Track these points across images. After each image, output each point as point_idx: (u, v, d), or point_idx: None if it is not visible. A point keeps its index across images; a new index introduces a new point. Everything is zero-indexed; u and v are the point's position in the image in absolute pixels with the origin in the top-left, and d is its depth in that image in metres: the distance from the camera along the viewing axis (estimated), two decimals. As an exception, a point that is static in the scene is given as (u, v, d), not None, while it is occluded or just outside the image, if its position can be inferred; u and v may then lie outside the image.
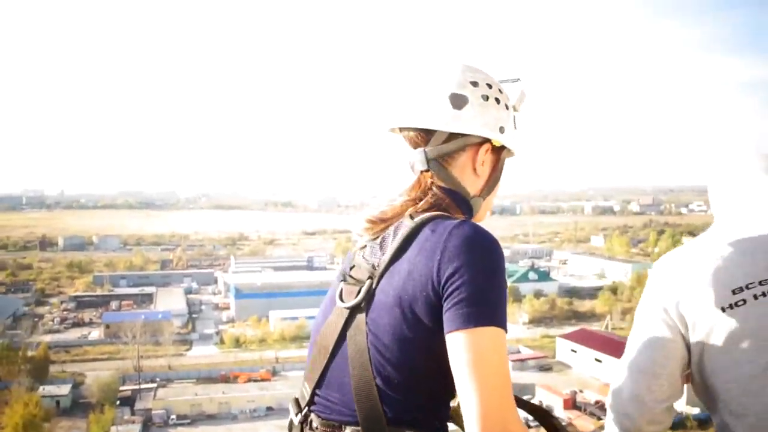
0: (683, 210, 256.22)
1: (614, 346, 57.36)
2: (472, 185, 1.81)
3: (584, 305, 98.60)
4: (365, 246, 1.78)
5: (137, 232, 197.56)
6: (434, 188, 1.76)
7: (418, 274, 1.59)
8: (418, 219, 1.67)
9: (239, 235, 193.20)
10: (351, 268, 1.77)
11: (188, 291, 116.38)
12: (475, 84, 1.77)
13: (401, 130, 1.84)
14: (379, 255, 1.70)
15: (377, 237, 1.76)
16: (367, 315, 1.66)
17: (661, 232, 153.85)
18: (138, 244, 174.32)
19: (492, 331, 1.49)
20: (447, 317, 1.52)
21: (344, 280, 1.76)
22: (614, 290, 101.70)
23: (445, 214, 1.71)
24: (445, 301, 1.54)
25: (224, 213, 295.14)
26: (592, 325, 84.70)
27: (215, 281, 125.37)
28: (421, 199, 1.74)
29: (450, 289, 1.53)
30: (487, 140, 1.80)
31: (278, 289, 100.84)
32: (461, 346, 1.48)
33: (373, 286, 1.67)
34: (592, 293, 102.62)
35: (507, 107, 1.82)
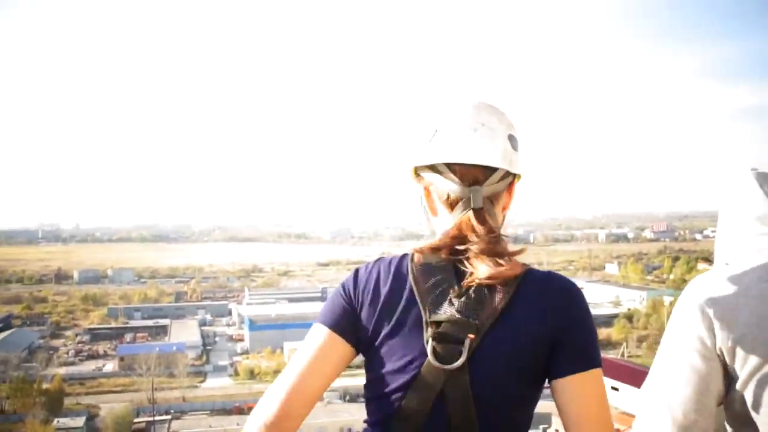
0: (698, 236, 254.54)
1: (631, 374, 56.55)
2: (500, 222, 1.80)
3: (600, 333, 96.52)
4: (441, 293, 1.62)
5: (152, 264, 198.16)
6: (487, 228, 1.70)
7: (528, 329, 1.59)
8: (521, 272, 1.64)
9: (253, 267, 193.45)
10: (438, 324, 1.58)
11: (202, 323, 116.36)
12: (513, 126, 1.81)
13: (449, 166, 1.74)
14: (476, 308, 1.59)
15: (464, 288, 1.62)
16: (470, 376, 1.55)
17: (676, 259, 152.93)
18: (152, 277, 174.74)
19: (600, 372, 1.60)
20: (562, 361, 1.58)
21: (434, 338, 1.57)
22: (630, 318, 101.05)
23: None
24: (557, 349, 1.58)
25: (238, 245, 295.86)
26: (608, 353, 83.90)
27: (229, 313, 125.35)
28: (482, 241, 1.67)
29: (564, 338, 1.59)
30: (514, 179, 1.82)
31: (292, 320, 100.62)
32: (586, 387, 1.57)
33: (475, 344, 1.56)
34: (608, 321, 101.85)
35: None
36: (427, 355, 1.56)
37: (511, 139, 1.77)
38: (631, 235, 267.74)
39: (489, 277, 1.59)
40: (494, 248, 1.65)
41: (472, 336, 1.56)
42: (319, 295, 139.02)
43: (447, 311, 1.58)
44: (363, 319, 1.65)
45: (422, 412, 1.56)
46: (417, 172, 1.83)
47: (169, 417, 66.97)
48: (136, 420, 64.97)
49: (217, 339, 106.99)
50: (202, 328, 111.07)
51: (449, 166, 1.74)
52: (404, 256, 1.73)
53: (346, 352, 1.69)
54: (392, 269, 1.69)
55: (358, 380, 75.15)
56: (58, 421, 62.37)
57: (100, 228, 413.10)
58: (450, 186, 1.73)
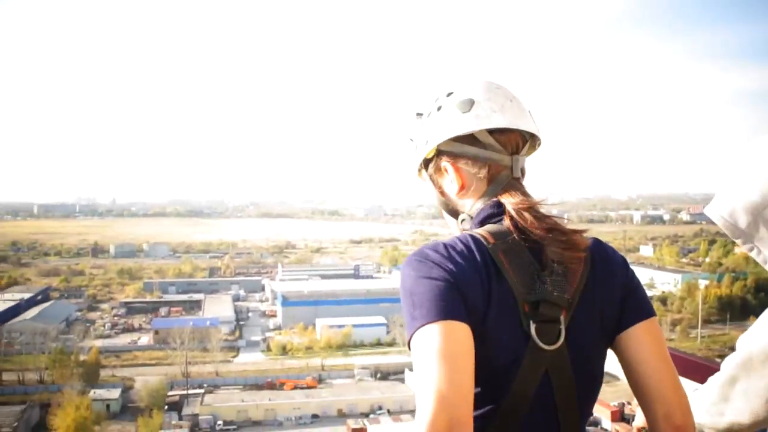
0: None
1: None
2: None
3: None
4: (528, 272, 1.58)
5: (186, 239, 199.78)
6: (528, 198, 1.70)
7: (606, 296, 1.66)
8: (587, 241, 1.69)
9: (286, 243, 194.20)
10: (535, 305, 1.56)
11: (236, 298, 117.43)
12: None
13: (490, 133, 1.73)
14: (563, 283, 1.59)
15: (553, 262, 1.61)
16: (570, 354, 1.57)
17: (712, 242, 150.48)
18: (187, 252, 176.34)
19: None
20: (632, 312, 1.68)
21: (538, 317, 1.55)
22: (664, 301, 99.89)
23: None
24: (627, 302, 1.69)
25: (272, 221, 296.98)
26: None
27: (262, 289, 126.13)
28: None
29: (630, 293, 1.70)
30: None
31: (325, 297, 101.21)
32: (654, 331, 1.69)
33: (568, 320, 1.58)
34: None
35: None
36: (528, 336, 1.54)
37: (531, 114, 1.81)
38: (666, 217, 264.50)
39: (571, 250, 1.61)
40: (557, 222, 1.66)
41: (564, 313, 1.57)
42: (352, 272, 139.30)
43: (540, 290, 1.56)
44: (471, 306, 1.51)
45: (529, 394, 1.54)
46: (438, 151, 1.79)
47: (202, 391, 67.87)
48: (170, 393, 65.95)
49: (250, 314, 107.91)
50: (236, 303, 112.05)
51: (491, 133, 1.73)
52: (470, 237, 1.62)
53: (472, 339, 1.50)
54: (476, 253, 1.57)
55: (389, 358, 75.70)
56: (94, 392, 63.63)
57: (135, 203, 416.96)
58: (492, 155, 1.73)
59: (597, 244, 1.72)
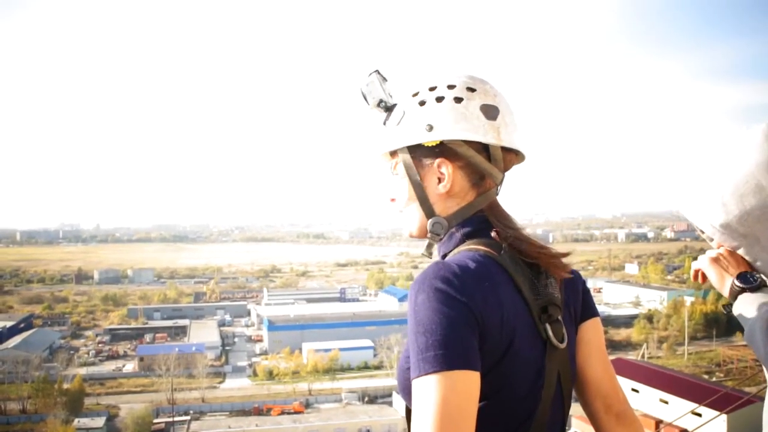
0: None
1: (651, 376, 56.20)
2: None
3: (620, 334, 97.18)
4: (529, 279, 1.61)
5: (171, 265, 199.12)
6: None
7: (574, 302, 1.75)
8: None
9: (272, 268, 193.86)
10: (544, 308, 1.59)
11: (221, 323, 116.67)
12: None
13: (503, 149, 1.68)
14: (556, 286, 1.66)
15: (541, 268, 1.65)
16: (569, 352, 1.65)
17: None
18: (172, 277, 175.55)
19: None
20: (587, 308, 1.79)
21: (549, 319, 1.59)
22: (650, 318, 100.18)
23: None
24: (584, 299, 1.79)
25: (257, 245, 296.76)
26: (628, 353, 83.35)
27: (248, 313, 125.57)
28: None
29: (586, 290, 1.81)
30: None
31: (311, 321, 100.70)
32: (600, 328, 1.81)
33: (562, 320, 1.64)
34: (628, 321, 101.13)
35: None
36: (543, 342, 1.56)
37: None
38: (651, 235, 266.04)
39: (556, 257, 1.67)
40: (529, 237, 1.68)
41: (560, 313, 1.62)
42: (338, 295, 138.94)
43: (544, 293, 1.60)
44: (494, 332, 1.47)
45: (551, 396, 1.57)
46: (439, 144, 1.66)
47: (188, 417, 67.09)
48: (155, 420, 65.18)
49: (236, 339, 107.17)
50: (221, 328, 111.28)
51: (499, 150, 1.68)
52: (478, 255, 1.57)
53: (479, 386, 1.42)
54: (491, 270, 1.54)
55: (376, 381, 75.28)
56: (78, 421, 62.72)
57: (119, 228, 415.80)
58: (493, 170, 1.67)
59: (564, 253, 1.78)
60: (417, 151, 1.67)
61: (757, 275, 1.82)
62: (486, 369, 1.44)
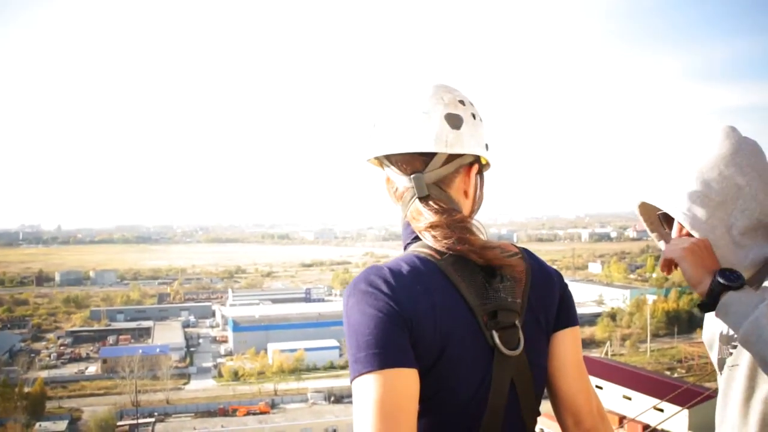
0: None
1: (615, 373, 56.96)
2: (466, 208, 1.71)
3: (584, 332, 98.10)
4: (478, 282, 1.56)
5: (134, 266, 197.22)
6: (440, 213, 1.64)
7: (547, 300, 1.67)
8: (521, 251, 1.71)
9: (236, 268, 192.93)
10: (493, 314, 1.54)
11: (186, 324, 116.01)
12: (462, 103, 1.70)
13: (388, 158, 1.70)
14: (512, 289, 1.59)
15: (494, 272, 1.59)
16: (528, 358, 1.58)
17: (658, 257, 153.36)
18: (135, 279, 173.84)
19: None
20: (563, 316, 1.71)
21: (497, 325, 1.54)
22: (613, 316, 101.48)
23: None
24: (560, 307, 1.71)
25: (221, 246, 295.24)
26: (591, 351, 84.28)
27: (213, 314, 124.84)
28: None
29: (563, 298, 1.72)
30: (476, 160, 1.73)
31: (276, 322, 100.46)
32: (577, 338, 1.74)
33: (521, 324, 1.59)
34: (591, 320, 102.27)
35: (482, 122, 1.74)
36: (491, 349, 1.53)
37: (451, 118, 1.67)
38: (613, 234, 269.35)
39: (507, 258, 1.61)
40: (472, 233, 1.62)
41: (517, 318, 1.57)
42: (303, 295, 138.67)
43: (494, 297, 1.55)
44: (424, 335, 1.46)
45: (503, 405, 1.53)
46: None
47: (153, 420, 66.56)
48: (119, 423, 64.49)
49: (200, 341, 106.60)
50: (186, 329, 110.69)
51: (389, 157, 1.69)
52: (415, 258, 1.58)
53: (417, 383, 1.44)
54: (425, 274, 1.53)
55: (342, 381, 75.25)
56: (40, 425, 61.87)
57: (81, 229, 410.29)
58: (395, 176, 1.69)
59: (528, 252, 1.73)
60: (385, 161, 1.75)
61: (738, 273, 1.75)
62: (422, 371, 1.44)
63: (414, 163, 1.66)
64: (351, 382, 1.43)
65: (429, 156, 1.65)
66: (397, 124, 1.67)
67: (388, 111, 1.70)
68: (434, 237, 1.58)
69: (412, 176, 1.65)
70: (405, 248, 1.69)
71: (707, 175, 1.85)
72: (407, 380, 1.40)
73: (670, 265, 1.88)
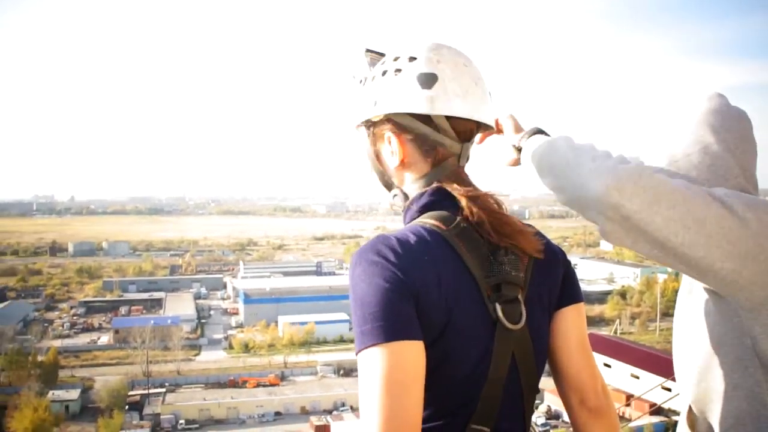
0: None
1: (623, 351, 56.97)
2: None
3: (593, 310, 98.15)
4: (484, 255, 1.52)
5: (146, 237, 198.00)
6: (473, 185, 1.65)
7: (552, 274, 1.64)
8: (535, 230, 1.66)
9: (248, 241, 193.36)
10: (497, 287, 1.51)
11: (197, 296, 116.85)
12: None
13: (466, 121, 1.62)
14: (517, 263, 1.55)
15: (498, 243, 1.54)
16: (530, 333, 1.55)
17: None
18: (147, 250, 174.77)
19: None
20: (568, 293, 1.68)
21: (500, 298, 1.51)
22: (623, 294, 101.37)
23: None
24: (564, 284, 1.67)
25: (233, 218, 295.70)
26: (601, 329, 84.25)
27: (224, 286, 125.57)
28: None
29: (568, 274, 1.69)
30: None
31: (287, 294, 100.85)
32: (582, 314, 1.71)
33: (524, 299, 1.55)
34: (601, 298, 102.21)
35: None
36: (494, 322, 1.49)
37: (491, 97, 1.69)
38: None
39: (522, 232, 1.58)
40: (500, 210, 1.59)
41: (521, 292, 1.54)
42: (314, 269, 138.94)
43: (498, 270, 1.52)
44: (430, 306, 1.42)
45: (503, 377, 1.51)
46: (386, 117, 1.63)
47: (163, 390, 67.20)
48: (130, 393, 65.17)
49: (211, 312, 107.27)
50: (197, 301, 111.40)
51: (448, 118, 1.60)
52: (422, 229, 1.52)
53: (424, 355, 1.41)
54: (432, 244, 1.49)
55: (351, 355, 75.52)
56: (53, 393, 62.58)
57: (94, 200, 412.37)
58: (444, 140, 1.60)
59: (533, 228, 1.67)
60: (372, 127, 1.67)
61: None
62: (427, 343, 1.41)
63: (472, 130, 1.65)
64: (357, 354, 1.39)
65: (477, 128, 1.67)
66: (470, 88, 1.62)
67: (458, 71, 1.61)
68: (476, 205, 1.54)
69: (465, 144, 1.64)
70: (406, 216, 1.63)
71: (687, 138, 1.86)
72: (414, 353, 1.37)
73: (496, 123, 1.87)
